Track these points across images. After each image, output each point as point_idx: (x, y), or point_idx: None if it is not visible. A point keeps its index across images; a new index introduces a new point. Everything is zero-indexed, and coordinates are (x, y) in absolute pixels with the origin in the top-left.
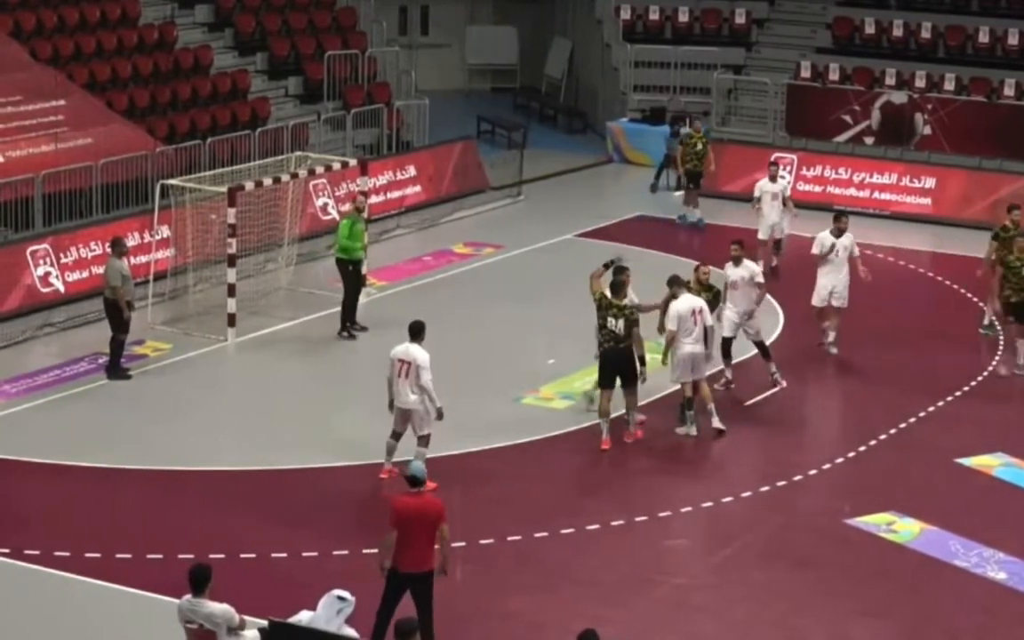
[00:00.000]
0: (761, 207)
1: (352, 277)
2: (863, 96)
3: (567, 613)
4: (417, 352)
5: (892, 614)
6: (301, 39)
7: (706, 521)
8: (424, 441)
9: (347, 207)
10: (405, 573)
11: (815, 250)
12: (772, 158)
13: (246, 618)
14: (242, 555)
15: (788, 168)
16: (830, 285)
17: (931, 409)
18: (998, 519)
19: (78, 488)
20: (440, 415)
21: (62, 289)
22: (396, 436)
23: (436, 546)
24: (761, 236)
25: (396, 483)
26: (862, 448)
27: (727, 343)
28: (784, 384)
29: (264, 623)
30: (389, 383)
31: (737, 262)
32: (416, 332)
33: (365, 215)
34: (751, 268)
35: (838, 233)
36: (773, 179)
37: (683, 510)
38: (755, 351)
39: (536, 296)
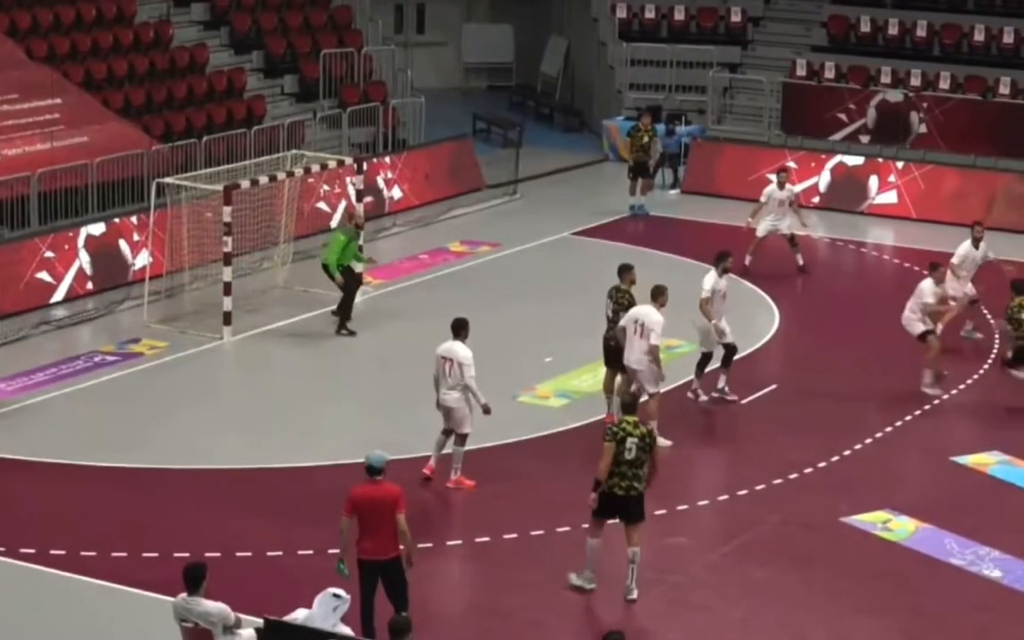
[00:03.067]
0: (763, 211)
1: (350, 279)
2: (859, 94)
3: (564, 611)
4: (459, 349)
5: (888, 612)
6: (297, 37)
7: (703, 519)
8: (461, 440)
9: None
10: (366, 561)
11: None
12: (780, 166)
13: (242, 616)
14: (238, 553)
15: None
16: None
17: (927, 407)
18: (993, 517)
19: (74, 486)
20: (486, 410)
21: (58, 287)
22: (446, 433)
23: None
24: (759, 234)
25: (437, 480)
26: (858, 446)
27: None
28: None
29: (260, 621)
30: (435, 381)
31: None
32: (457, 329)
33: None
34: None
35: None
36: (781, 187)
37: (680, 508)
38: (749, 350)
39: (532, 294)
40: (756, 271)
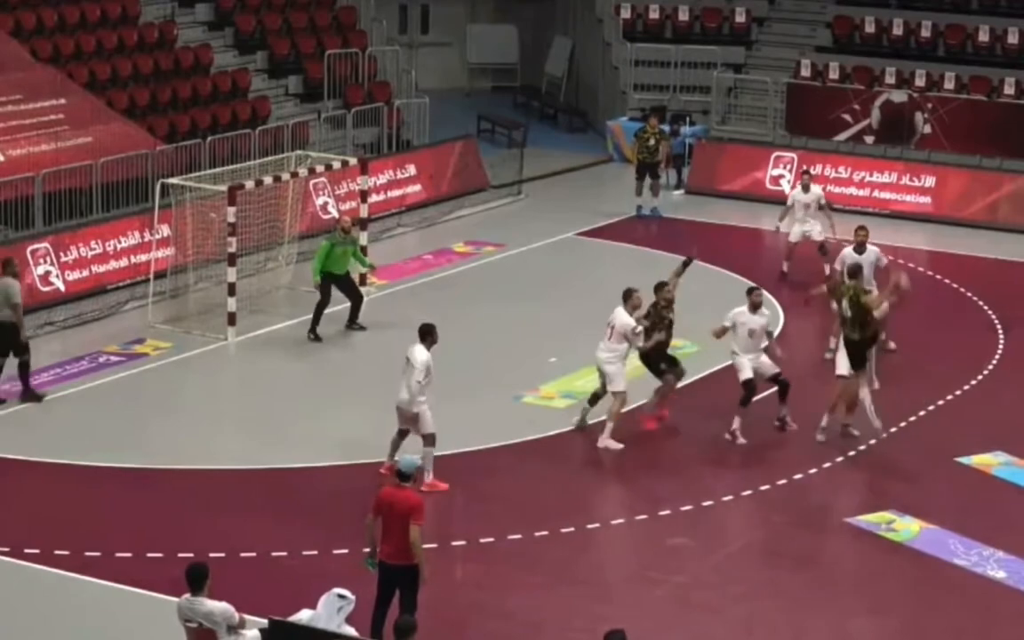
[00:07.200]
0: (792, 215)
1: (346, 287)
2: (863, 95)
3: (567, 612)
4: (416, 353)
5: (892, 613)
6: (301, 38)
7: (707, 519)
8: (428, 441)
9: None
10: (382, 562)
11: (838, 266)
12: (804, 168)
13: (246, 617)
14: (242, 554)
15: (788, 167)
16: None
17: (931, 408)
18: (997, 518)
19: (78, 487)
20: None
21: (62, 288)
22: (400, 434)
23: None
24: (791, 239)
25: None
26: (862, 447)
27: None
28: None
29: (264, 622)
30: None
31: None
32: (422, 334)
33: (353, 235)
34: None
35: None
36: (806, 189)
37: (684, 509)
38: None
39: (537, 295)
40: (762, 274)
